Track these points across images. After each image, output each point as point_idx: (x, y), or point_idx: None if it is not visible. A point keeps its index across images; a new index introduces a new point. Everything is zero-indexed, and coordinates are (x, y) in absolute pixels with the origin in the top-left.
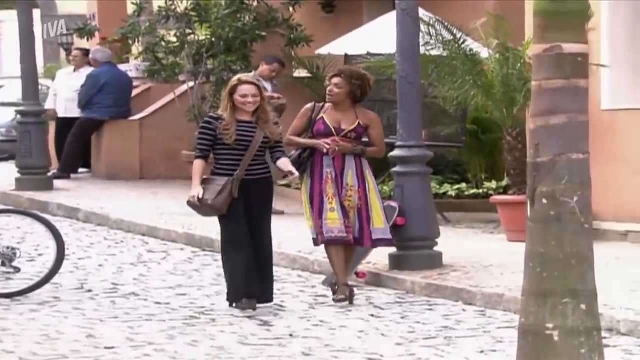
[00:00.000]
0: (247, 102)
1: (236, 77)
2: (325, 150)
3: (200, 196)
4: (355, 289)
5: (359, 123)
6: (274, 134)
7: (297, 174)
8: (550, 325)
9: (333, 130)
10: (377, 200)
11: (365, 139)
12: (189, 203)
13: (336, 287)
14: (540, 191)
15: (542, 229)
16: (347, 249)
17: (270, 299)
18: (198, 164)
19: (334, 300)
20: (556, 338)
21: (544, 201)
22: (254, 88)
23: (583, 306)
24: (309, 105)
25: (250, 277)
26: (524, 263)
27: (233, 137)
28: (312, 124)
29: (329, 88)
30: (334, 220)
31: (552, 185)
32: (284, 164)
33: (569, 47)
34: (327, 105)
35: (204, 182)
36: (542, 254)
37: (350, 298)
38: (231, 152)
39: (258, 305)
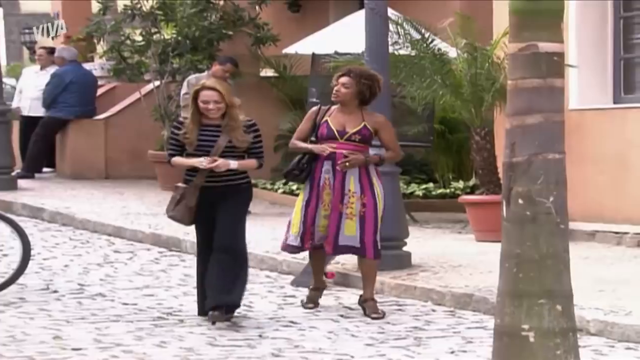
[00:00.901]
0: (208, 109)
1: (201, 82)
2: (325, 154)
3: (205, 162)
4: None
5: (364, 125)
6: (241, 142)
7: (232, 164)
8: (526, 327)
9: (336, 133)
10: (383, 208)
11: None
12: (170, 214)
13: (309, 288)
14: (516, 191)
15: (518, 230)
16: (368, 263)
17: (238, 304)
18: (177, 158)
19: (302, 304)
20: (532, 339)
21: (520, 201)
22: (216, 94)
23: (559, 307)
24: (314, 107)
25: (211, 289)
26: (499, 263)
27: (194, 144)
28: (317, 127)
29: (335, 88)
30: (324, 228)
31: (528, 185)
32: (231, 163)
33: (545, 46)
34: (333, 107)
35: (174, 190)
36: (517, 254)
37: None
38: (197, 157)
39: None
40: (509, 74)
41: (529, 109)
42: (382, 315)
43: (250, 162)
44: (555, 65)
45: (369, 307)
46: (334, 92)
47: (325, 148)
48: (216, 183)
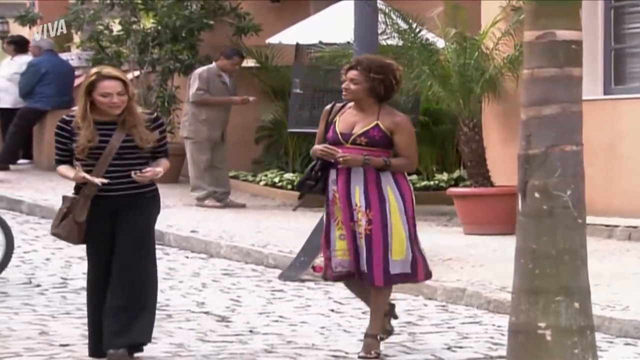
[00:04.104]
0: (111, 104)
1: (95, 70)
2: (319, 155)
3: (87, 176)
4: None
5: (376, 125)
6: (144, 140)
7: (159, 170)
8: (542, 325)
9: (339, 137)
10: (401, 225)
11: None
12: (53, 231)
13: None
14: (532, 184)
15: (534, 224)
16: (376, 292)
17: (148, 339)
18: (63, 167)
19: (359, 357)
20: (548, 338)
21: (536, 195)
22: (120, 84)
23: (576, 304)
24: (328, 106)
25: (109, 326)
26: (514, 259)
27: (86, 150)
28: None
29: (344, 84)
30: (344, 252)
31: (545, 179)
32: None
33: (563, 34)
34: (349, 104)
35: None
36: (533, 250)
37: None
38: (91, 162)
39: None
40: (525, 63)
41: (546, 100)
42: (374, 357)
43: (165, 163)
44: (573, 53)
45: (366, 344)
46: (343, 88)
47: (334, 150)
48: (113, 192)
